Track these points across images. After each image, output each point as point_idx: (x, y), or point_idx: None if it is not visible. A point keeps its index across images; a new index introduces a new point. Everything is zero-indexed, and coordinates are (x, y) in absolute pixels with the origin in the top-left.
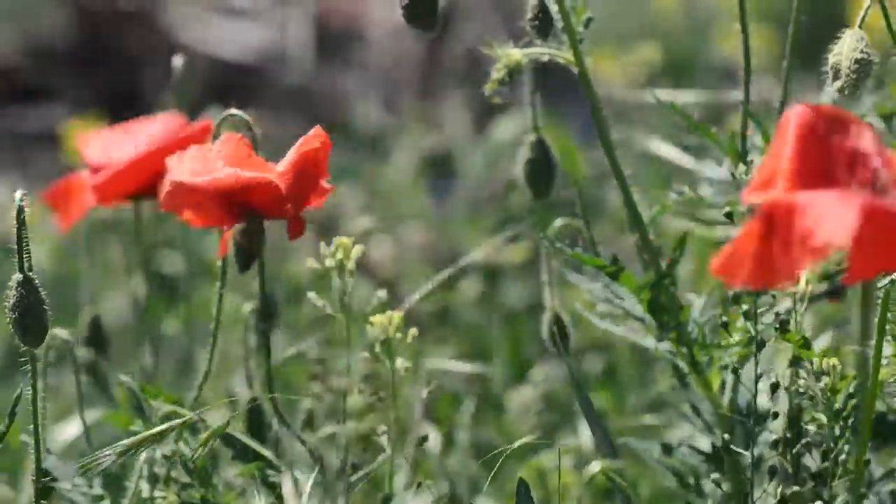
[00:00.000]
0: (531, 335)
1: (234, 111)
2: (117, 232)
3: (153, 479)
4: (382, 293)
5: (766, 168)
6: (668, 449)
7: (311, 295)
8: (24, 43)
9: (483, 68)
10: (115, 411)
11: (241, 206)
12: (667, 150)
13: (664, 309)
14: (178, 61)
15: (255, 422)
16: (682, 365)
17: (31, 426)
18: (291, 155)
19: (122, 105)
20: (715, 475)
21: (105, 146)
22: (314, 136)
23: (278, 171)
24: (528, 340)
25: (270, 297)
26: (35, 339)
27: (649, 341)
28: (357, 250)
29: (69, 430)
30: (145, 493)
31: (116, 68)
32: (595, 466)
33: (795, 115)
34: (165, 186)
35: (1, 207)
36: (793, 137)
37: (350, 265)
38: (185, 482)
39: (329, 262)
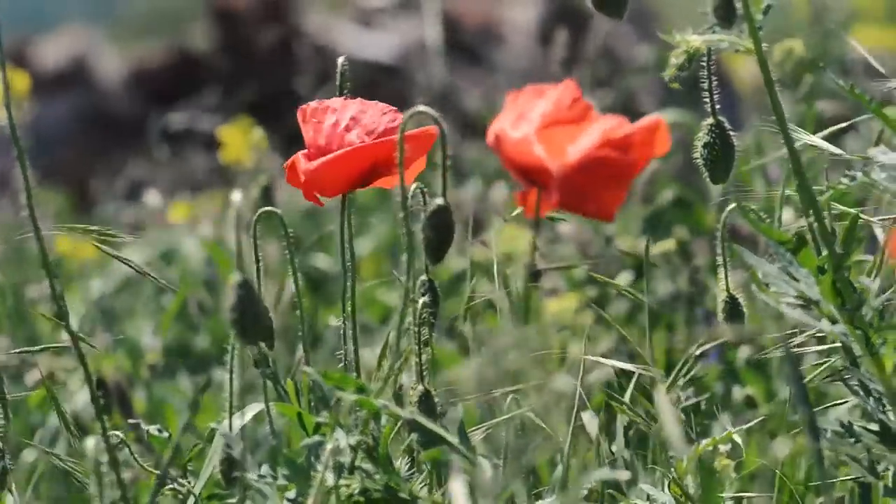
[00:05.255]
0: (678, 325)
1: (421, 108)
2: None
3: (339, 469)
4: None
5: None
6: (844, 428)
7: (474, 283)
8: (171, 49)
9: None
10: (283, 403)
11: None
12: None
13: (842, 291)
14: (340, 62)
15: (426, 411)
16: (856, 348)
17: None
18: (591, 137)
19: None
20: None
21: (321, 128)
22: (619, 126)
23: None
24: (675, 330)
25: (434, 289)
26: (252, 338)
27: (823, 324)
28: (528, 239)
29: (235, 422)
30: (329, 482)
31: (261, 72)
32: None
33: None
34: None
35: (157, 209)
36: None
37: (522, 254)
38: (369, 470)
39: (496, 254)
